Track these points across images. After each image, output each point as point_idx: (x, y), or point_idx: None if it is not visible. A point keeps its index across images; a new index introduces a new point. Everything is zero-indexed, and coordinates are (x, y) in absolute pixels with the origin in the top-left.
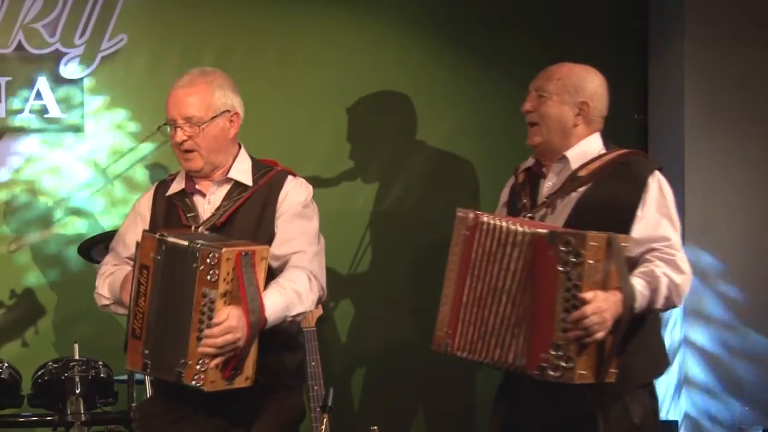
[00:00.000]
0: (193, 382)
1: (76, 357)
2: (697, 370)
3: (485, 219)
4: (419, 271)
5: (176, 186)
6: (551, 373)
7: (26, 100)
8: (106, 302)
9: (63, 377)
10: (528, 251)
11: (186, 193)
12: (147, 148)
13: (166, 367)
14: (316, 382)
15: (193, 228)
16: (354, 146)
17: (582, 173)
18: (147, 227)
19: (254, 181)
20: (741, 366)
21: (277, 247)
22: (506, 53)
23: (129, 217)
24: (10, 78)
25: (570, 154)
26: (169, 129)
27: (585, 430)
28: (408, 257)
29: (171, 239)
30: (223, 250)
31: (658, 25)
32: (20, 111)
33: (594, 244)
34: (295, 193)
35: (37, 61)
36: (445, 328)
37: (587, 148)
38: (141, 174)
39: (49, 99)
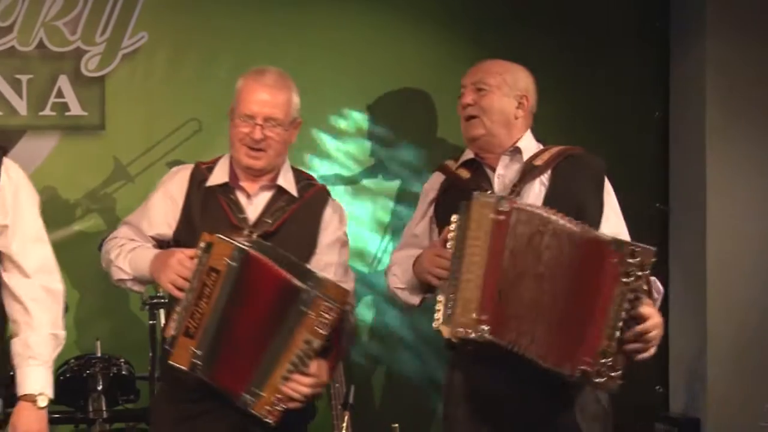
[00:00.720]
0: (263, 414)
1: (98, 354)
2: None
3: (522, 205)
4: None
5: (217, 178)
6: (596, 379)
7: (47, 97)
8: (125, 276)
9: (85, 374)
10: (579, 250)
11: (230, 189)
12: (168, 145)
13: (218, 374)
14: (338, 380)
15: (246, 231)
16: (375, 144)
17: (537, 162)
18: (179, 212)
19: (299, 192)
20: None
21: (320, 270)
22: (525, 51)
23: (158, 195)
24: (31, 76)
25: (521, 145)
26: (237, 121)
27: (563, 414)
28: None
29: (258, 255)
30: (341, 306)
31: (679, 23)
32: (42, 109)
33: (653, 259)
34: (339, 217)
35: (58, 59)
36: (474, 314)
37: (530, 142)
38: (162, 171)
39: (71, 97)
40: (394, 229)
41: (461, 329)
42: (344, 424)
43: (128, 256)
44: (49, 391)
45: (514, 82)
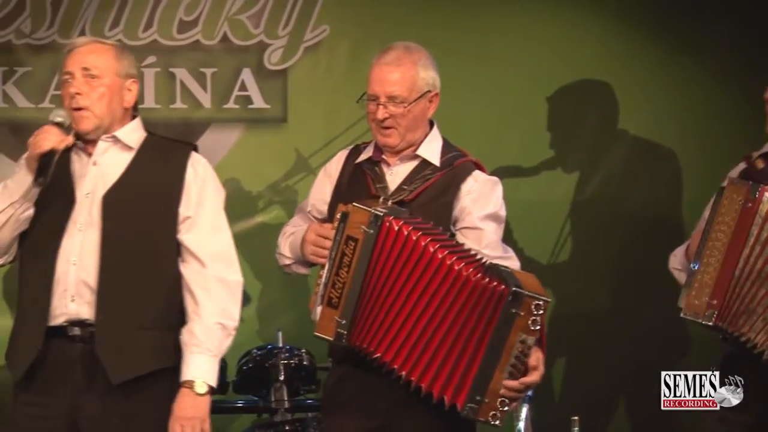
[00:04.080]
0: (488, 420)
1: (280, 344)
2: None
3: None
4: (620, 261)
5: (366, 154)
6: None
7: (231, 91)
8: (288, 261)
9: (267, 364)
10: None
11: (373, 162)
12: (349, 137)
13: (366, 342)
14: None
15: (381, 199)
16: (554, 135)
17: None
18: (333, 187)
19: (442, 162)
20: None
21: (482, 247)
22: (709, 43)
23: (320, 174)
24: (215, 69)
25: None
26: (367, 101)
27: None
28: (609, 247)
29: (394, 221)
30: (547, 298)
31: None
32: (225, 102)
33: None
34: (488, 191)
35: (241, 52)
36: (707, 297)
37: None
38: None
39: (254, 90)
40: (572, 220)
41: (691, 311)
42: (523, 416)
43: (288, 241)
44: (209, 379)
45: None
